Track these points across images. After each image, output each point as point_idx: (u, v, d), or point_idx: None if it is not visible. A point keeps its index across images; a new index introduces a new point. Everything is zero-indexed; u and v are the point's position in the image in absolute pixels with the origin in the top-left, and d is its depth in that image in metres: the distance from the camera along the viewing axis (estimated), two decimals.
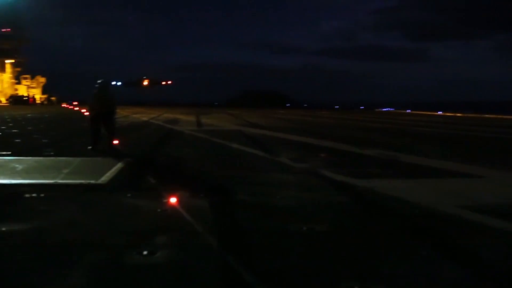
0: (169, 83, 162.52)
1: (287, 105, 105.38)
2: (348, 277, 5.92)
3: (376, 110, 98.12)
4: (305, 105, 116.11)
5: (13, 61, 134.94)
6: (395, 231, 8.11)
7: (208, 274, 6.06)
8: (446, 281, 5.86)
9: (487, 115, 64.38)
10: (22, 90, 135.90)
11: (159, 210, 9.26)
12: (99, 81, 19.22)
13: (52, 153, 17.52)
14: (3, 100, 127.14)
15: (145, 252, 6.74)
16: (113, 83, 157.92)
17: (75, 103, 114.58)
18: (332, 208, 9.70)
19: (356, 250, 7.00)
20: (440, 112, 73.56)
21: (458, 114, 68.20)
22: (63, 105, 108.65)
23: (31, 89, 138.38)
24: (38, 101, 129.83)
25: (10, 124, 36.07)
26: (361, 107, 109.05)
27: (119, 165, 14.66)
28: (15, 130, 29.77)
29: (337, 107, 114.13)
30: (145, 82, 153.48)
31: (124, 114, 56.49)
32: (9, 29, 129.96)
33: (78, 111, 67.01)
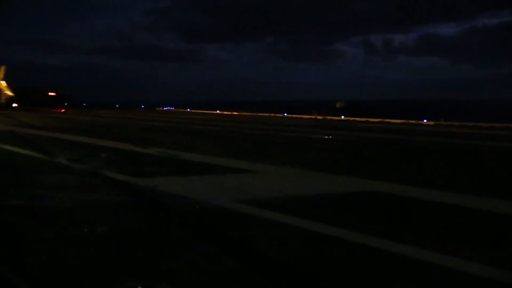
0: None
1: (65, 104, 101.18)
2: (131, 277, 5.89)
3: (157, 109, 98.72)
4: (84, 104, 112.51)
5: None
6: (176, 228, 8.26)
7: None
8: (224, 274, 6.12)
9: (261, 114, 68.32)
10: None
11: None
12: None
13: None
14: None
15: None
16: None
17: None
18: (114, 208, 9.57)
19: (138, 249, 6.99)
20: (218, 111, 76.30)
21: (235, 113, 71.40)
22: None
23: None
24: None
25: None
26: (142, 106, 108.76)
27: None
28: None
29: (118, 106, 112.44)
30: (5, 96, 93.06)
31: None
32: None
33: None
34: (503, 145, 25.38)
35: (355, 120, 49.87)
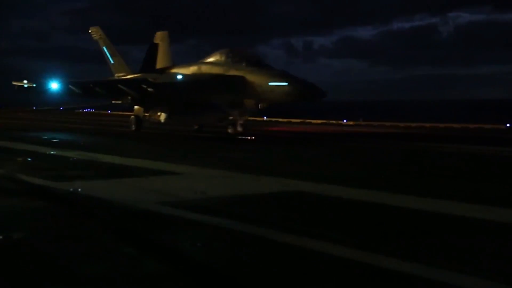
0: None
1: None
2: (50, 284, 5.74)
3: (76, 111, 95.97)
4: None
5: None
6: (97, 232, 8.09)
7: None
8: (147, 277, 6.05)
9: None
10: None
11: None
12: None
13: None
14: None
15: None
16: None
17: None
18: (32, 213, 9.26)
19: (57, 255, 6.81)
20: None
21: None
22: None
23: None
24: None
25: None
26: (61, 108, 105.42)
27: None
28: None
29: (35, 108, 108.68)
30: None
31: None
32: None
33: None
34: (419, 144, 26.23)
35: (277, 121, 50.38)
